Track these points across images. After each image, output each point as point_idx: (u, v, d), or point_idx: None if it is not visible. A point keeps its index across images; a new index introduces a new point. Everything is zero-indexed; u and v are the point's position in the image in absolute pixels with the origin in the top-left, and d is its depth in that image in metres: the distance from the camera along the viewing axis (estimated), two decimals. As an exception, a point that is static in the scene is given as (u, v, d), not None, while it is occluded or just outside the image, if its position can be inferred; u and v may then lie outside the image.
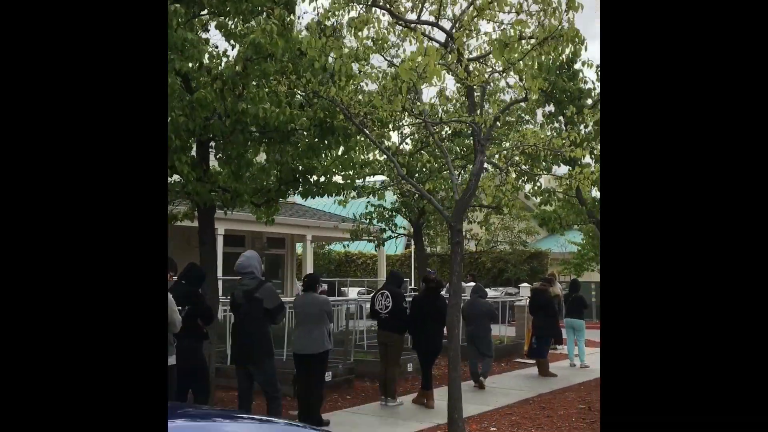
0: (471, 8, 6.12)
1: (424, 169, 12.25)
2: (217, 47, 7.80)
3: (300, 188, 7.98)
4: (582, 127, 10.71)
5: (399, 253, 40.63)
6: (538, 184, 12.20)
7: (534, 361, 12.62)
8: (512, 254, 35.18)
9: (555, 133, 10.23)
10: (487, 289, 14.56)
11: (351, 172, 8.78)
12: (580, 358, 13.18)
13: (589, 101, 10.93)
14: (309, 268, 19.39)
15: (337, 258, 40.28)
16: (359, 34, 6.36)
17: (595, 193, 11.48)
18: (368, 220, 13.76)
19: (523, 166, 9.36)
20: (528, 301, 13.03)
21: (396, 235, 14.10)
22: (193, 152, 7.38)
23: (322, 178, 7.90)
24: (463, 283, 18.08)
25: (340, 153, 8.14)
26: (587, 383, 11.42)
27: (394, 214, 13.97)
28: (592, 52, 41.50)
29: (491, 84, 10.50)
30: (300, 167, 7.74)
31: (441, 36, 6.59)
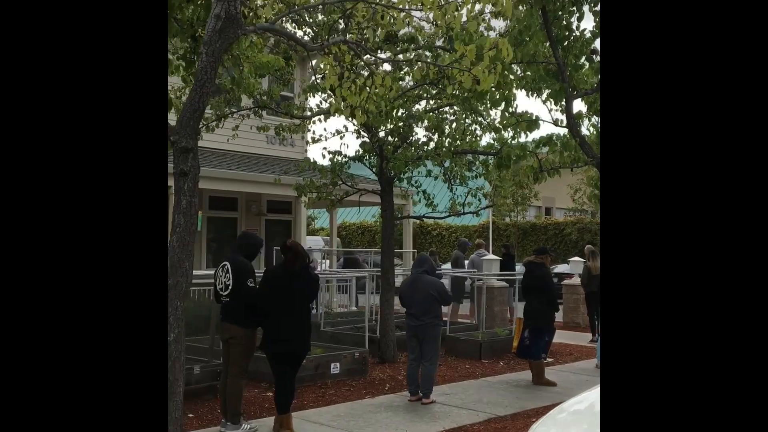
0: None
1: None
2: None
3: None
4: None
5: (476, 224, 36.96)
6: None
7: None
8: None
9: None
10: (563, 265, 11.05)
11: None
12: (597, 356, 9.45)
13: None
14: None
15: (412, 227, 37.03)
16: None
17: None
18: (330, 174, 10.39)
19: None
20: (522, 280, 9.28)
21: (354, 191, 10.62)
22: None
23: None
24: (485, 256, 14.58)
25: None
26: (589, 400, 7.71)
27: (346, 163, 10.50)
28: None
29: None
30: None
31: None
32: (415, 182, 11.40)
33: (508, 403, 7.58)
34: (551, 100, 7.26)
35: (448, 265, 17.41)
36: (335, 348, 9.12)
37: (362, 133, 9.82)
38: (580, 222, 32.13)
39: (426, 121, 9.71)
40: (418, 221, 38.08)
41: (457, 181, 12.03)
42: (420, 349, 7.58)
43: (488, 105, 7.66)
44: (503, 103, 7.54)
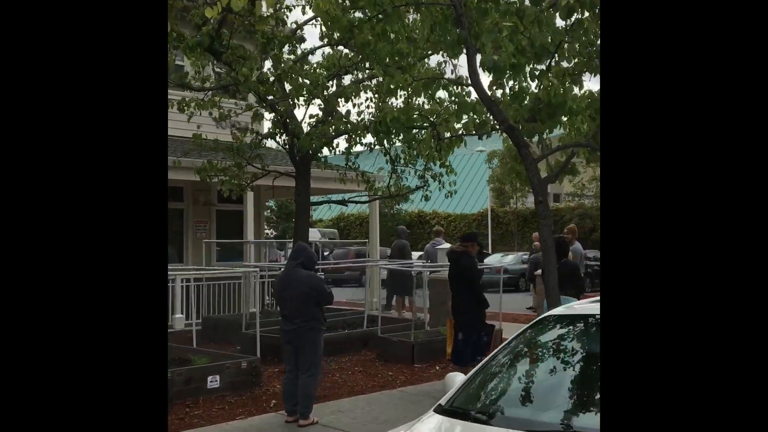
0: None
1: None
2: None
3: None
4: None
5: (475, 212, 35.48)
6: None
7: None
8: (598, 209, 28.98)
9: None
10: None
11: None
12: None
13: None
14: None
15: (408, 218, 35.61)
16: None
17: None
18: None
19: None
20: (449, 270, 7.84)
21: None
22: None
23: None
24: (441, 245, 13.17)
25: None
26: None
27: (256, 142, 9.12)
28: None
29: None
30: None
31: None
32: (353, 163, 10.04)
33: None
34: (448, 53, 5.83)
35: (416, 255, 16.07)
36: (223, 357, 7.79)
37: (278, 107, 8.35)
38: (581, 208, 30.52)
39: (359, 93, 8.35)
40: (415, 210, 36.75)
41: (401, 161, 10.68)
42: (295, 359, 6.23)
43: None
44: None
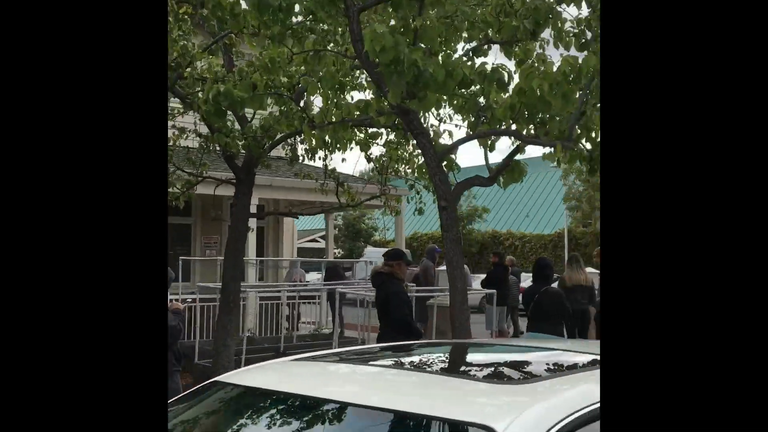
0: None
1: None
2: None
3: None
4: None
5: (551, 233, 33.29)
6: None
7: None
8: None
9: None
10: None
11: None
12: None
13: None
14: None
15: (481, 238, 33.88)
16: None
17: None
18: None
19: None
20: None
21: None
22: None
23: None
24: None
25: None
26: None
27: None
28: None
29: None
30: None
31: None
32: (332, 171, 8.76)
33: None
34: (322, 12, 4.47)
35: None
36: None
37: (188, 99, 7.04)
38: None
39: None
40: (489, 230, 34.95)
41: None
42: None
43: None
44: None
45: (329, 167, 8.89)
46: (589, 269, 11.18)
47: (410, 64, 3.73)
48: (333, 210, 9.54)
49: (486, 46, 4.70)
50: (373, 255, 26.44)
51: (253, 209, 12.37)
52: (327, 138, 5.58)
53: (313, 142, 5.51)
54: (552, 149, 5.01)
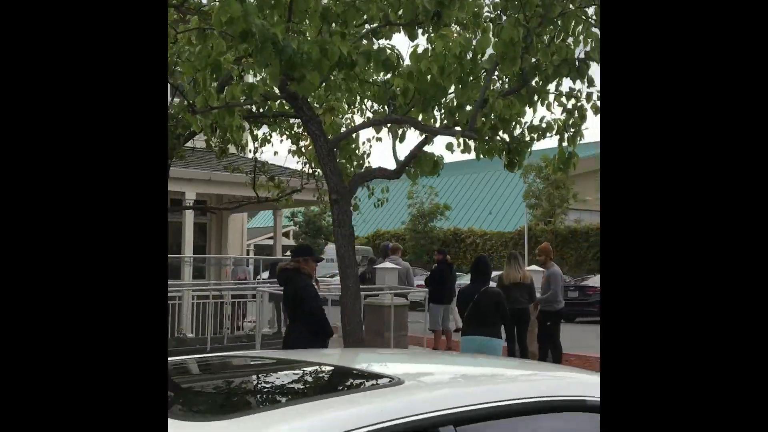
0: None
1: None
2: None
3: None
4: None
5: (513, 231, 33.22)
6: None
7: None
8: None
9: None
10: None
11: None
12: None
13: None
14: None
15: (442, 236, 33.67)
16: None
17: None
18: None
19: None
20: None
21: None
22: None
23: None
24: (390, 264, 11.27)
25: None
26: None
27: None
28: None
29: None
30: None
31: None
32: (263, 165, 8.38)
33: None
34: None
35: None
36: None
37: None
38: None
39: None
40: (451, 227, 34.77)
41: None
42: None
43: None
44: None
45: (259, 160, 8.58)
46: (533, 267, 10.99)
47: (264, 38, 3.35)
48: (248, 205, 9.12)
49: (387, 28, 4.39)
50: (334, 253, 26.03)
51: (191, 205, 11.95)
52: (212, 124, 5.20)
53: (201, 128, 5.13)
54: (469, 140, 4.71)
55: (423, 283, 12.16)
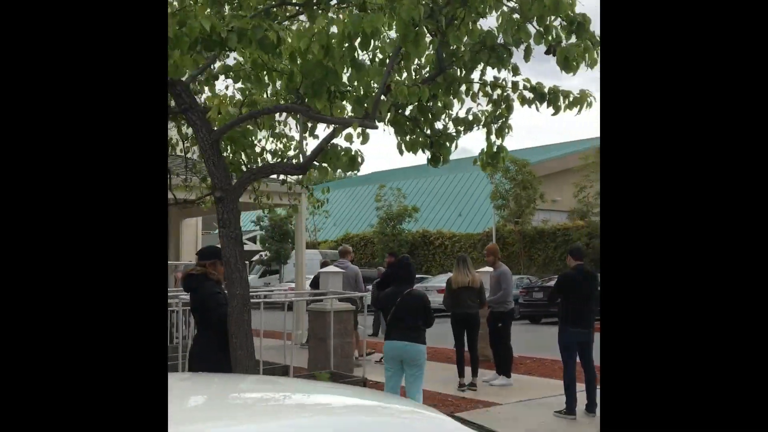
0: None
1: None
2: None
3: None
4: None
5: (480, 232, 32.97)
6: None
7: None
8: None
9: None
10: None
11: None
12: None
13: None
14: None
15: (411, 238, 33.31)
16: None
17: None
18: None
19: None
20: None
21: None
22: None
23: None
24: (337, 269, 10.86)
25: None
26: None
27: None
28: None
29: None
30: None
31: None
32: (192, 165, 7.94)
33: None
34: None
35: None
36: None
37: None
38: (590, 226, 27.79)
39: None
40: (420, 229, 34.44)
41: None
42: None
43: None
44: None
45: (189, 159, 8.14)
46: (485, 268, 10.64)
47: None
48: (174, 206, 8.67)
49: (283, 8, 4.00)
50: (318, 258, 25.62)
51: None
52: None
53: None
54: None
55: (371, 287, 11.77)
